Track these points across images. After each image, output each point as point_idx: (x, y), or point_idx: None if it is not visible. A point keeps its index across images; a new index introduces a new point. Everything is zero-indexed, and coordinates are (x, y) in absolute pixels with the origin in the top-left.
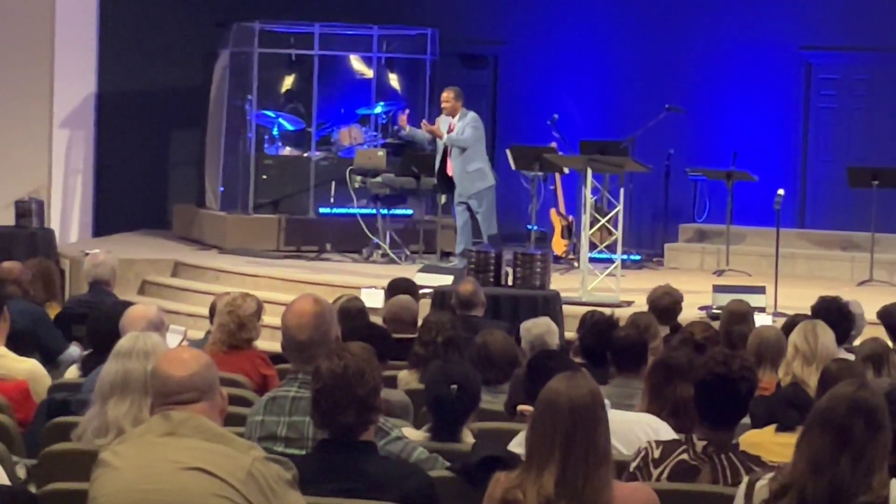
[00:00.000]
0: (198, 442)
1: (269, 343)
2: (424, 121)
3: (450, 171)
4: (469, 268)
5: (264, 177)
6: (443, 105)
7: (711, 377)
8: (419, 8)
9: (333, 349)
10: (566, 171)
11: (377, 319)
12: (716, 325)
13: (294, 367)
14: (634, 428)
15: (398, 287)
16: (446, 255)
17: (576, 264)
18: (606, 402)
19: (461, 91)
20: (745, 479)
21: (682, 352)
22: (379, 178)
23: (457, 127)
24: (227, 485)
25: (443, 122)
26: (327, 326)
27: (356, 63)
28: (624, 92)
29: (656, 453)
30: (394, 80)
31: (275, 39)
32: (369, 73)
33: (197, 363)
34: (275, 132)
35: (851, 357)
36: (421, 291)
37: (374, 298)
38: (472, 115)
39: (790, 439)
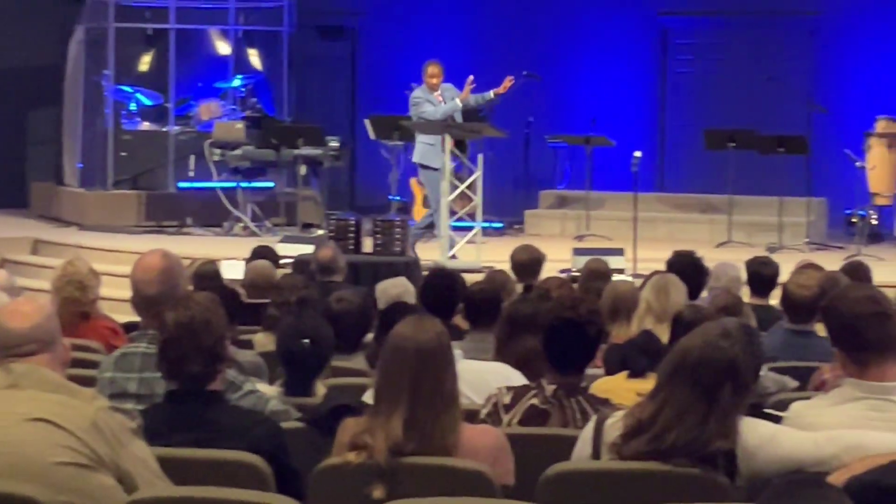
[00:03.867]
0: (40, 393)
1: (129, 317)
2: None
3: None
4: (329, 235)
5: (123, 153)
6: (435, 80)
7: (559, 321)
8: None
9: (179, 300)
10: None
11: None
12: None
13: (144, 322)
14: (487, 377)
15: (258, 254)
16: (307, 226)
17: (437, 232)
18: (459, 352)
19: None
20: (593, 418)
21: (527, 304)
22: (238, 151)
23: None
24: (72, 435)
25: (428, 95)
26: (176, 281)
27: (213, 37)
28: (482, 60)
29: (507, 399)
30: (252, 53)
31: (130, 14)
32: (227, 46)
33: (38, 315)
34: (132, 107)
35: None
36: (282, 261)
37: (234, 270)
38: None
39: (642, 385)
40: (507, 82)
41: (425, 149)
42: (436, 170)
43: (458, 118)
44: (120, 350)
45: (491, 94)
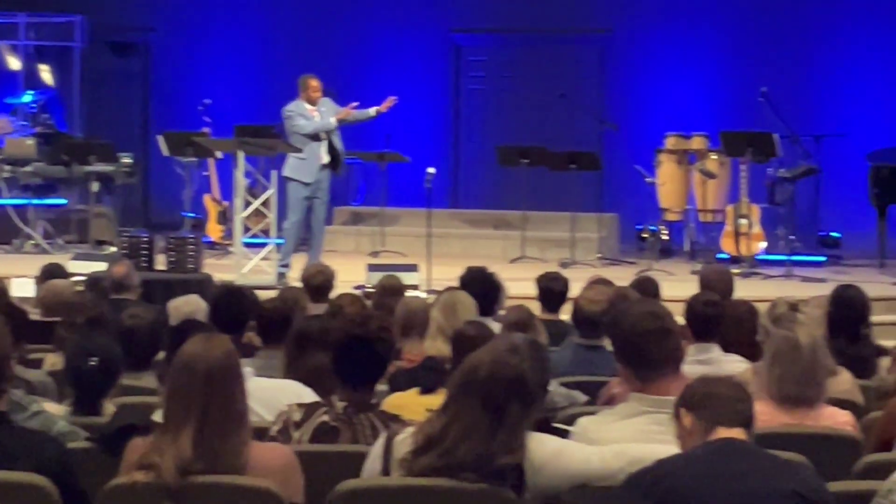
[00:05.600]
0: None
1: None
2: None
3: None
4: (122, 252)
5: None
6: (316, 94)
7: (349, 338)
8: None
9: None
10: (220, 155)
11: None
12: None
13: None
14: (278, 394)
15: (47, 272)
16: (100, 243)
17: (231, 249)
18: (250, 370)
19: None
20: (382, 435)
21: (316, 320)
22: (29, 168)
23: (329, 112)
24: None
25: (300, 109)
26: None
27: (3, 51)
28: (277, 76)
29: (297, 416)
30: (43, 68)
31: None
32: (17, 62)
33: None
34: None
35: (498, 325)
36: (74, 279)
37: (24, 288)
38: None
39: (433, 401)
40: (390, 101)
41: (297, 163)
42: (307, 184)
43: (337, 136)
44: None
45: (372, 111)
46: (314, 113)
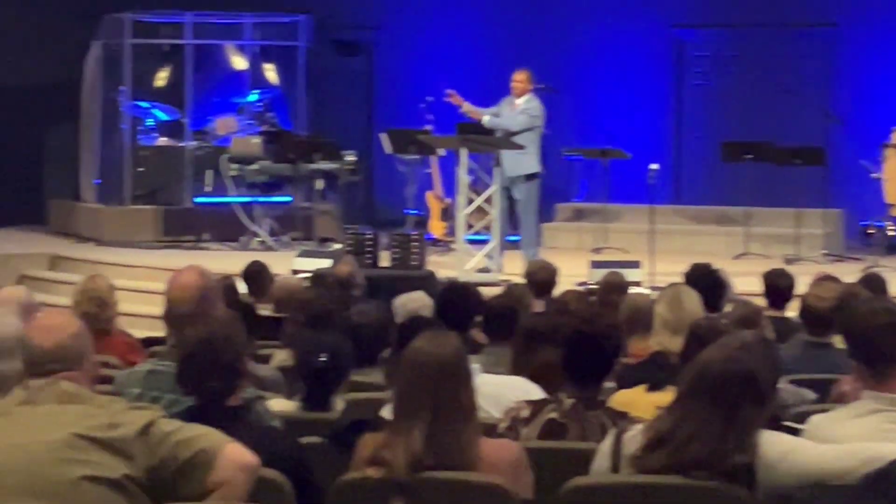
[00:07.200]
0: (55, 407)
1: (147, 332)
2: (465, 106)
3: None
4: (346, 249)
5: (140, 168)
6: (515, 84)
7: (577, 335)
8: None
9: (198, 316)
10: (442, 153)
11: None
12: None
13: (174, 339)
14: (505, 391)
15: (251, 269)
16: (324, 240)
17: (454, 246)
18: (477, 366)
19: (533, 75)
20: (612, 431)
21: (545, 317)
22: (255, 166)
23: (518, 109)
24: (88, 440)
25: (506, 102)
26: (211, 301)
27: (230, 52)
28: (499, 74)
29: (525, 413)
30: (268, 68)
31: (147, 30)
32: (243, 61)
33: (63, 333)
34: (149, 123)
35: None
36: (300, 276)
37: None
38: (536, 104)
39: (661, 398)
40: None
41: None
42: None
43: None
44: (145, 366)
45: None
46: (517, 107)
